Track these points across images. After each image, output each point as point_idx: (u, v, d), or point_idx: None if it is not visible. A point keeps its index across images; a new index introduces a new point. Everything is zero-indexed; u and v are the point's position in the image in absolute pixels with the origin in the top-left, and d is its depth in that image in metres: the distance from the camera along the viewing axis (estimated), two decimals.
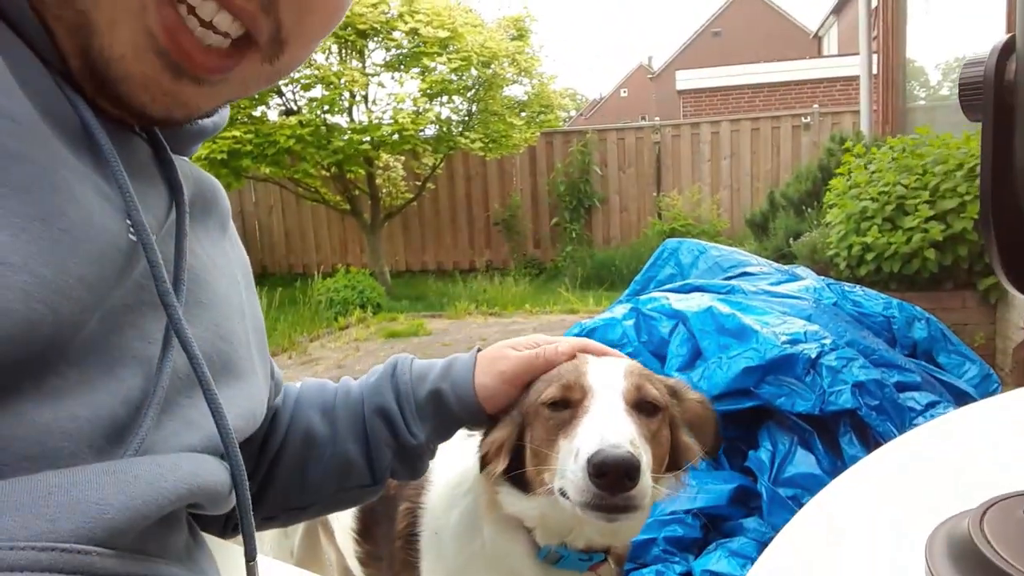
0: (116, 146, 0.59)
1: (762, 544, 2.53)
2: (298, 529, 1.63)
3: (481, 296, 8.12)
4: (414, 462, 1.01)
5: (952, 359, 3.05)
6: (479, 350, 1.05)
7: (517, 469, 1.04)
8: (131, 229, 0.58)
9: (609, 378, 1.01)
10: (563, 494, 0.94)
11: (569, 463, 0.92)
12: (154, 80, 0.58)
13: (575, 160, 10.10)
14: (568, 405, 0.98)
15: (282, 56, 0.64)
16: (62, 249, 0.50)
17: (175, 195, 0.67)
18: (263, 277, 9.61)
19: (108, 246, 0.55)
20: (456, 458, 1.26)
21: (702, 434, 1.11)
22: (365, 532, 1.40)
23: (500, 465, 1.04)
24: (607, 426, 0.92)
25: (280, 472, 0.97)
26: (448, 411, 0.99)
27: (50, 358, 0.51)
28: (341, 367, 5.59)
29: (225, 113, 0.77)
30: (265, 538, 1.64)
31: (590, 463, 0.86)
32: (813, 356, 2.59)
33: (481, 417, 1.03)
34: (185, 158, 0.77)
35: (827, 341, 2.67)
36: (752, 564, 2.26)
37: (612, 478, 0.86)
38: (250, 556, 0.67)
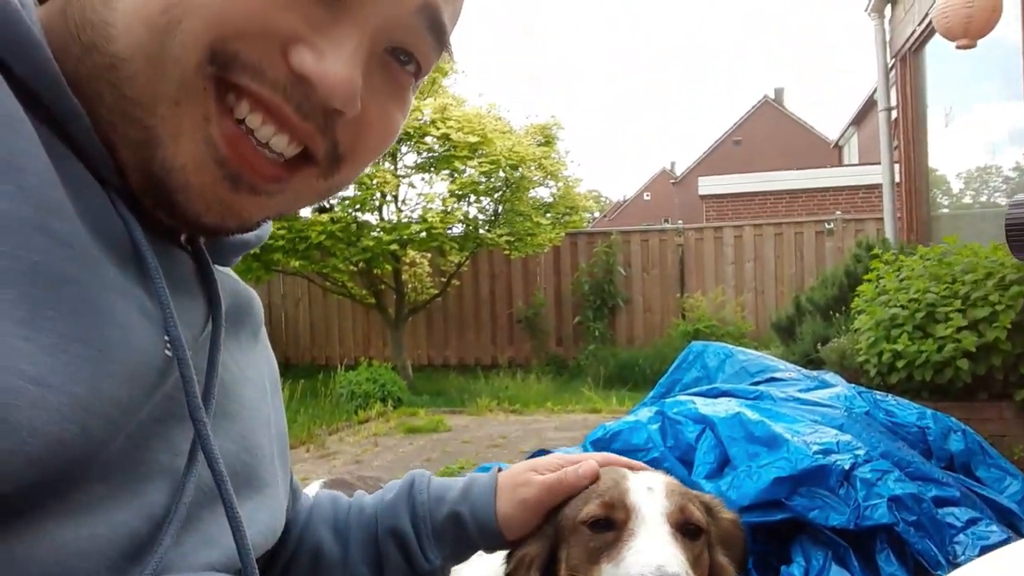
0: (160, 260, 0.61)
1: None
2: None
3: (503, 393, 8.06)
4: None
5: (992, 473, 2.95)
6: (499, 470, 1.02)
7: None
8: (168, 345, 0.59)
9: (652, 498, 0.98)
10: None
11: None
12: (211, 190, 0.59)
13: (599, 260, 10.21)
14: (611, 526, 0.95)
15: (338, 173, 0.66)
16: (98, 369, 0.51)
17: (213, 309, 0.68)
18: (286, 368, 9.63)
19: (143, 365, 0.56)
20: (477, 570, 1.22)
21: (731, 552, 1.08)
22: None
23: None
24: (663, 554, 0.89)
25: None
26: (466, 536, 0.96)
27: (76, 475, 0.50)
28: (359, 461, 5.51)
29: (268, 227, 0.78)
30: None
31: None
32: (847, 468, 2.52)
33: (500, 544, 0.99)
34: (228, 269, 0.79)
35: (860, 452, 2.60)
36: None
37: None
38: None
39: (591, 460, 1.01)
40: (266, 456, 0.75)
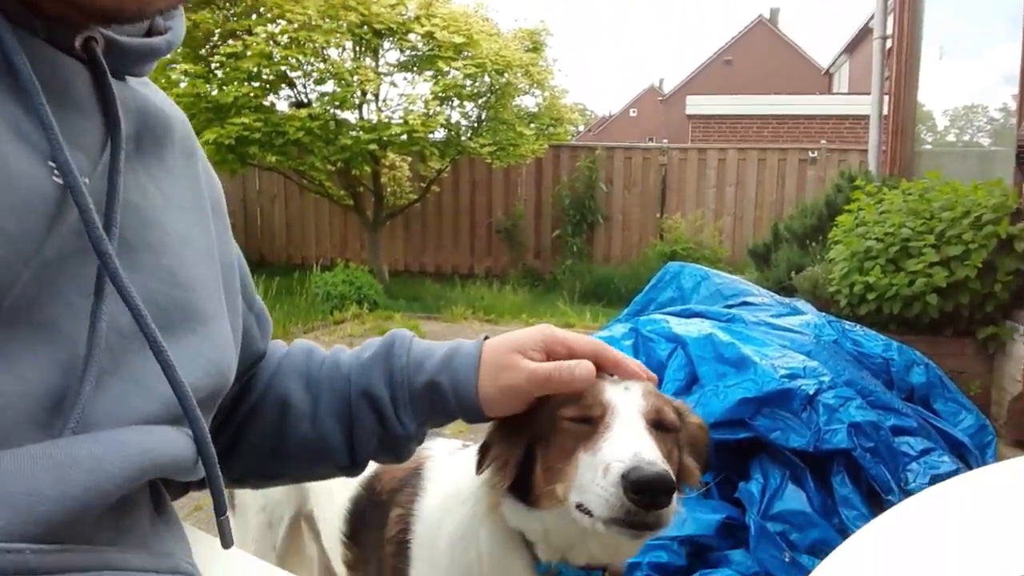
0: (43, 70, 0.53)
1: None
2: (283, 521, 1.60)
3: (478, 302, 8.10)
4: (399, 450, 0.95)
5: (949, 407, 3.05)
6: (485, 339, 0.97)
7: (522, 479, 1.02)
8: (55, 172, 0.52)
9: (629, 396, 0.99)
10: (582, 509, 0.92)
11: (595, 478, 0.89)
12: None
13: (581, 175, 10.11)
14: (588, 420, 0.96)
15: None
16: None
17: (112, 126, 0.60)
18: (261, 265, 9.56)
19: (28, 195, 0.50)
20: (453, 465, 1.24)
21: (696, 456, 1.10)
22: (354, 535, 1.37)
23: (506, 479, 1.02)
24: (640, 443, 0.90)
25: (249, 437, 0.92)
26: (444, 406, 0.92)
27: None
28: None
29: (180, 29, 0.70)
30: (249, 529, 1.60)
31: (626, 479, 0.85)
32: (811, 392, 2.58)
33: (479, 418, 0.96)
34: (146, 80, 0.70)
35: (826, 378, 2.66)
36: None
37: (649, 495, 0.85)
38: (220, 511, 0.65)
39: (586, 363, 0.95)
40: (209, 289, 0.69)
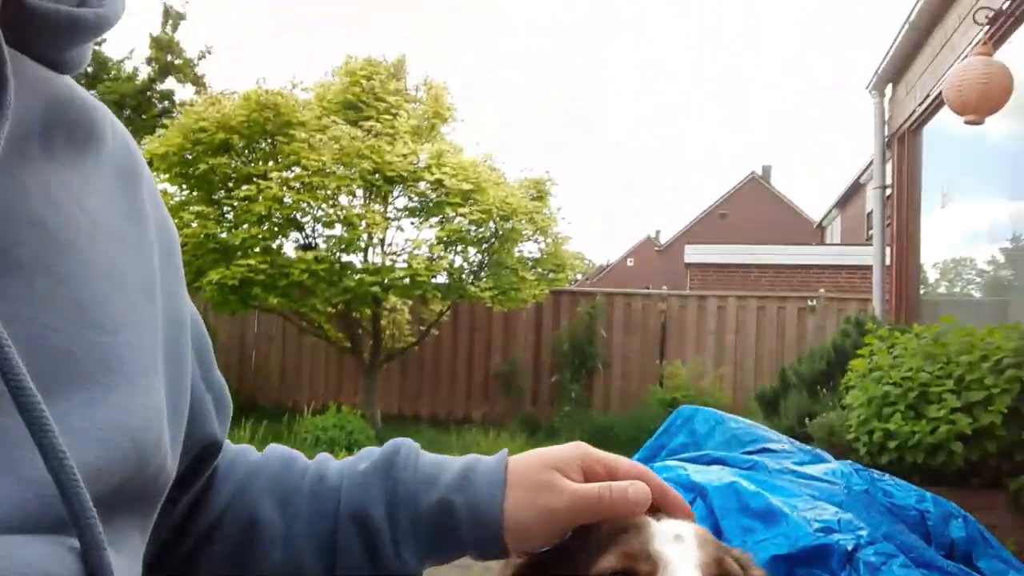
0: None
1: None
2: None
3: (474, 449, 7.77)
4: None
5: (993, 564, 2.79)
6: (508, 455, 0.79)
7: None
8: None
9: (683, 548, 0.81)
10: None
11: None
12: None
13: (582, 321, 10.11)
14: None
15: None
16: None
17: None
18: (252, 409, 9.30)
19: None
20: None
21: None
22: None
23: None
24: None
25: (208, 558, 0.73)
26: (455, 535, 0.73)
27: None
28: None
29: (117, 7, 0.56)
30: None
31: None
32: (849, 548, 2.35)
33: (496, 552, 0.76)
34: (68, 80, 0.55)
35: (863, 532, 2.44)
36: None
37: None
38: None
39: (641, 484, 0.78)
40: (140, 336, 0.53)
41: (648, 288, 11.72)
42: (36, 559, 0.40)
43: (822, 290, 11.63)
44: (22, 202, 0.46)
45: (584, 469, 0.78)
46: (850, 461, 3.21)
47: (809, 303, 10.19)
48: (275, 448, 0.81)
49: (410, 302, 9.47)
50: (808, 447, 3.53)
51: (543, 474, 0.75)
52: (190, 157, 7.93)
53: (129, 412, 0.48)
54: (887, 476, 3.09)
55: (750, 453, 3.23)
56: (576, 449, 0.80)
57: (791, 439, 3.56)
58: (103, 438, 0.46)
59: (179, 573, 0.74)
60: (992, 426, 3.75)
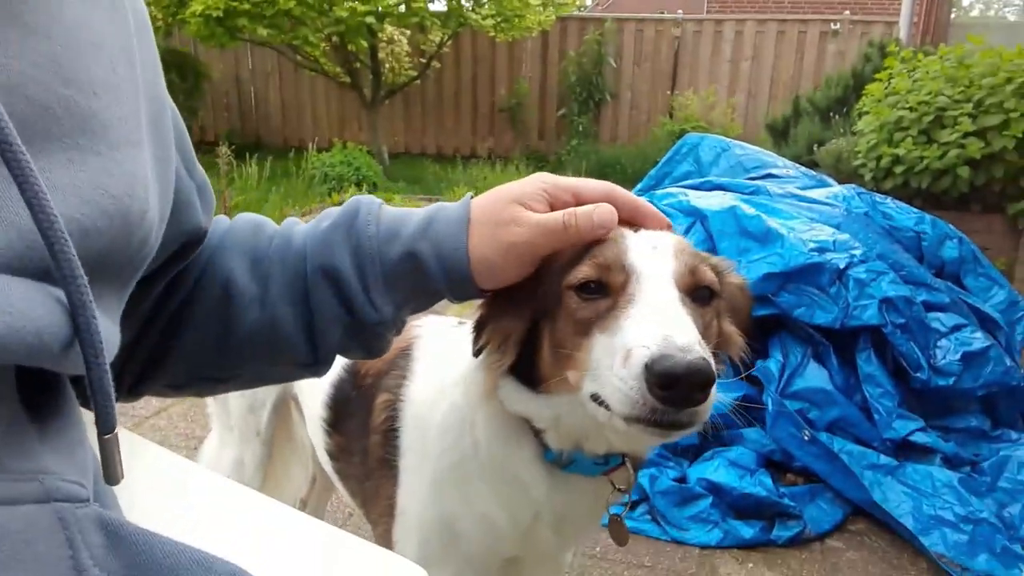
0: None
1: (761, 455, 2.43)
2: (265, 405, 1.46)
3: (481, 183, 7.86)
4: (371, 340, 0.77)
5: (980, 282, 2.89)
6: (472, 197, 0.79)
7: (524, 361, 0.86)
8: None
9: (657, 257, 0.78)
10: (597, 400, 0.75)
11: (612, 366, 0.71)
12: None
13: (589, 50, 9.59)
14: (606, 291, 0.77)
15: None
16: None
17: None
18: (256, 147, 9.23)
19: None
20: (445, 344, 1.08)
21: (737, 320, 0.93)
22: (337, 423, 1.23)
23: (507, 359, 0.85)
24: (671, 322, 0.70)
25: (189, 331, 0.75)
26: (426, 280, 0.74)
27: None
28: None
29: None
30: (230, 414, 1.47)
31: (651, 370, 0.66)
32: (841, 267, 2.42)
33: (470, 292, 0.77)
34: None
35: (857, 252, 2.49)
36: (751, 475, 2.11)
37: (680, 390, 0.65)
38: (105, 427, 0.45)
39: (606, 205, 0.76)
40: (123, 102, 0.50)
41: (663, 12, 10.96)
42: (19, 301, 0.39)
43: (847, 12, 10.87)
44: None
45: (550, 199, 0.77)
46: (854, 185, 3.19)
47: (832, 26, 9.57)
48: (244, 216, 0.81)
49: (408, 32, 8.95)
50: (813, 172, 3.50)
51: (506, 209, 0.75)
52: None
53: (113, 177, 0.46)
54: (888, 199, 3.10)
55: (754, 179, 3.21)
56: (539, 180, 0.78)
57: (797, 165, 3.52)
58: (86, 198, 0.44)
59: (164, 345, 0.74)
60: (1004, 150, 3.68)
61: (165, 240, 0.60)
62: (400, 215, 0.77)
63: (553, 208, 0.77)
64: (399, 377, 1.09)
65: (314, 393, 1.28)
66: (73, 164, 0.44)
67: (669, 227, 0.85)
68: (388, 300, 0.74)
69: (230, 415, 1.47)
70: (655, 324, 0.70)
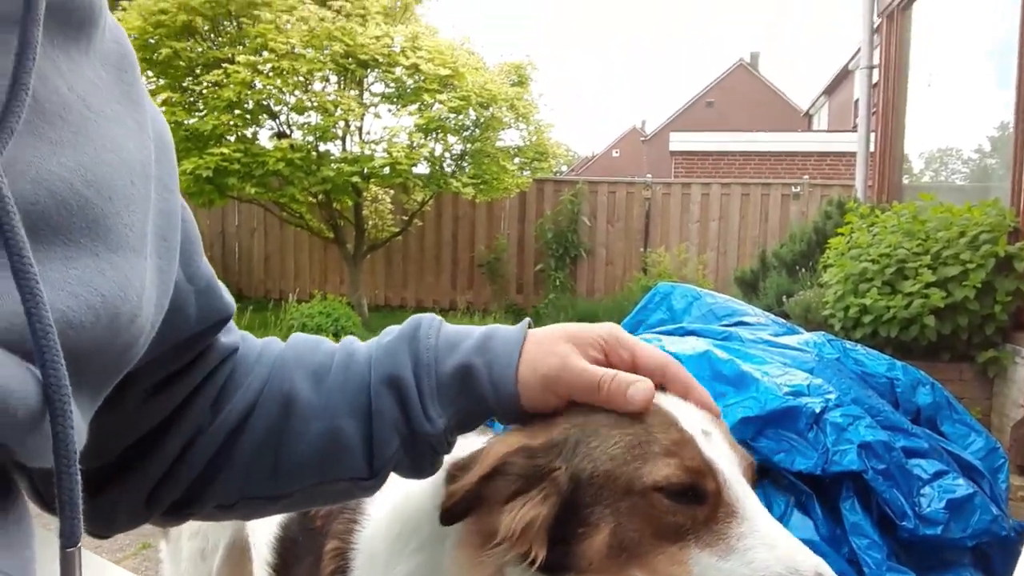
0: None
1: None
2: (217, 550, 1.36)
3: None
4: (424, 455, 0.75)
5: (957, 429, 2.88)
6: (529, 325, 0.78)
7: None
8: None
9: (724, 452, 0.75)
10: None
11: None
12: None
13: (564, 209, 10.04)
14: (699, 497, 0.71)
15: None
16: None
17: None
18: (238, 299, 9.22)
19: None
20: (407, 483, 0.99)
21: None
22: (284, 568, 1.14)
23: (538, 553, 0.73)
24: (799, 549, 0.68)
25: (243, 448, 0.73)
26: (478, 396, 0.74)
27: None
28: None
29: None
30: (181, 559, 1.38)
31: None
32: (817, 411, 2.41)
33: (516, 415, 0.77)
34: None
35: (832, 396, 2.49)
36: None
37: None
38: (68, 540, 0.43)
39: (647, 385, 0.74)
40: (133, 211, 0.52)
41: (633, 177, 11.59)
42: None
43: (806, 176, 11.56)
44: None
45: (606, 349, 0.76)
46: (824, 332, 3.26)
47: (793, 189, 10.15)
48: (299, 336, 0.82)
49: (392, 192, 9.34)
50: (784, 320, 3.57)
51: (556, 343, 0.75)
52: (152, 42, 7.58)
53: (105, 277, 0.47)
54: (859, 346, 3.15)
55: (727, 326, 3.27)
56: (604, 329, 0.78)
57: (767, 313, 3.60)
58: (75, 291, 0.45)
59: (215, 464, 0.73)
60: (965, 300, 3.80)
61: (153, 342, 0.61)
62: (460, 332, 0.78)
63: (608, 359, 0.76)
64: (350, 521, 0.98)
65: (262, 532, 1.19)
66: (69, 260, 0.45)
67: (719, 415, 0.81)
68: (441, 412, 0.74)
69: (180, 560, 1.38)
70: (786, 551, 0.68)
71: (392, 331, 0.79)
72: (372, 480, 0.75)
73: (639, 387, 0.73)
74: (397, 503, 0.90)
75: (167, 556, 1.45)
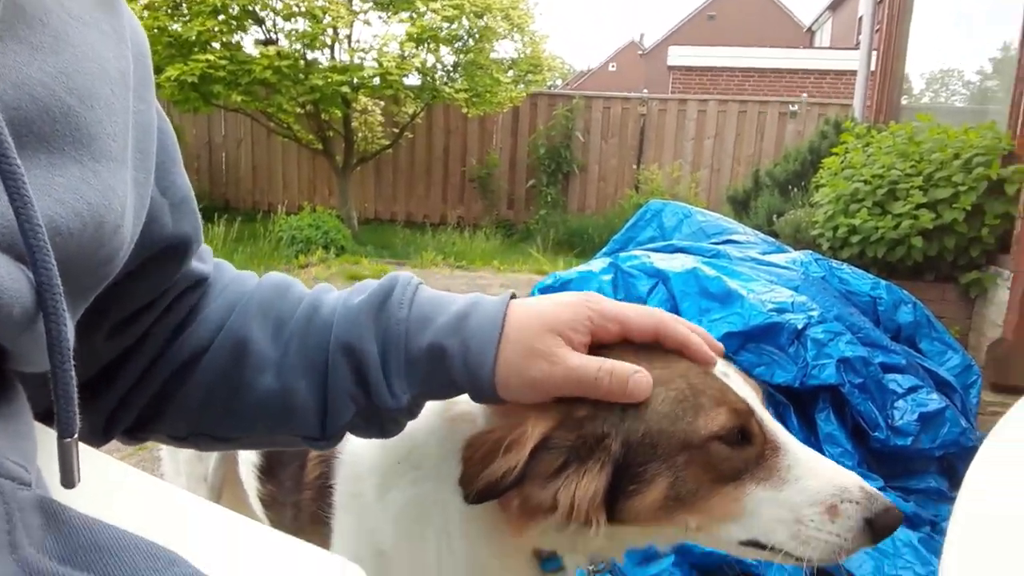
0: None
1: None
2: (213, 453, 1.40)
3: (449, 248, 7.92)
4: (385, 424, 0.75)
5: (934, 346, 2.95)
6: (513, 297, 0.76)
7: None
8: None
9: (749, 389, 0.80)
10: (757, 545, 0.76)
11: (804, 519, 0.74)
12: None
13: (558, 124, 9.88)
14: (747, 438, 0.75)
15: None
16: None
17: None
18: (225, 210, 9.24)
19: None
20: None
21: None
22: (269, 471, 1.16)
23: (600, 520, 0.74)
24: (845, 474, 0.76)
25: (192, 386, 0.73)
26: (449, 379, 0.72)
27: None
28: None
29: None
30: (179, 460, 1.43)
31: (874, 525, 0.73)
32: (799, 327, 2.45)
33: (487, 400, 0.75)
34: None
35: (815, 313, 2.53)
36: None
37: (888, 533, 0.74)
38: (65, 431, 0.45)
39: (645, 375, 0.73)
40: (114, 119, 0.52)
41: (629, 93, 11.36)
42: None
43: (805, 95, 11.37)
44: None
45: (593, 328, 0.74)
46: (811, 251, 3.28)
47: (791, 108, 10.00)
48: (272, 276, 0.79)
49: (382, 103, 9.15)
50: (772, 239, 3.59)
51: (542, 339, 0.71)
52: None
53: (90, 186, 0.47)
54: (845, 265, 3.18)
55: (716, 244, 3.29)
56: (584, 306, 0.74)
57: (757, 232, 3.61)
58: (62, 198, 0.45)
59: (167, 394, 0.73)
60: (954, 223, 3.81)
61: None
62: (436, 302, 0.74)
63: (595, 337, 0.74)
64: None
65: None
66: (54, 167, 0.45)
67: (722, 352, 0.82)
68: (407, 388, 0.72)
69: (178, 461, 1.42)
70: (831, 474, 0.75)
71: (364, 288, 0.76)
72: (325, 441, 0.75)
73: (639, 378, 0.72)
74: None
75: (167, 454, 1.49)
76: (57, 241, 0.44)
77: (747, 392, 0.78)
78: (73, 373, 0.44)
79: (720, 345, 0.80)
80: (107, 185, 0.49)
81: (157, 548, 0.46)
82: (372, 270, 6.66)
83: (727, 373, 0.79)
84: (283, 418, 0.73)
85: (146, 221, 0.65)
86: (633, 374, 0.72)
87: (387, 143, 9.22)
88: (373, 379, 0.71)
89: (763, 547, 0.75)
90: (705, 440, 0.73)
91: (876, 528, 0.72)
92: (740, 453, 0.74)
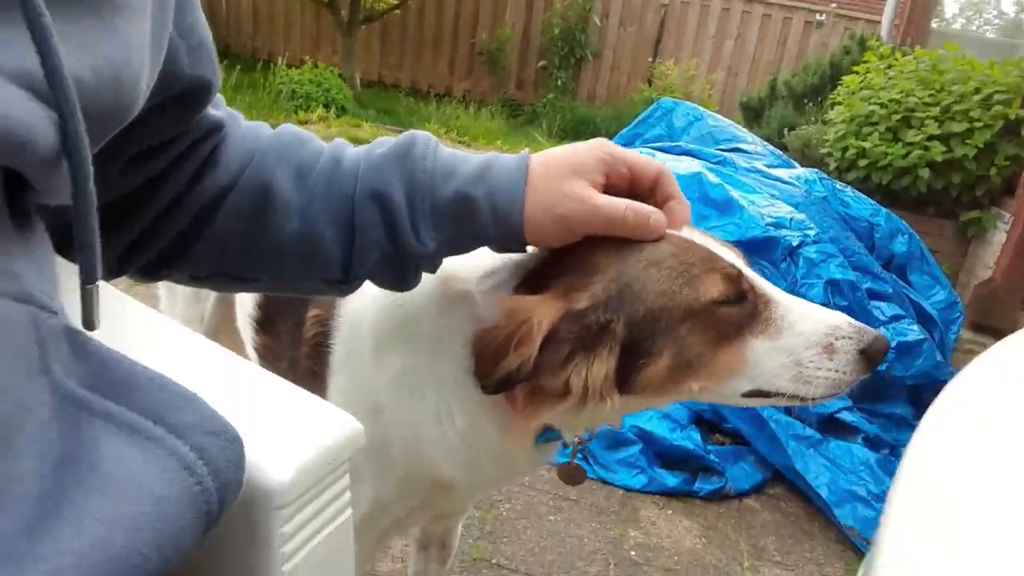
0: None
1: (693, 412, 2.50)
2: (211, 293, 1.41)
3: (453, 122, 7.76)
4: (407, 271, 0.77)
5: (923, 279, 2.99)
6: (529, 156, 0.77)
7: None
8: None
9: (728, 251, 0.83)
10: (757, 395, 0.81)
11: (810, 361, 0.78)
12: None
13: (576, 4, 9.46)
14: (741, 296, 0.78)
15: None
16: None
17: None
18: (224, 55, 8.91)
19: None
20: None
21: None
22: (266, 323, 1.17)
23: (614, 399, 0.77)
24: (828, 312, 0.80)
25: (218, 226, 0.74)
26: (475, 225, 0.74)
27: None
28: None
29: None
30: (177, 299, 1.44)
31: (867, 353, 0.78)
32: (794, 244, 2.47)
33: (517, 246, 0.77)
34: None
35: (811, 232, 2.54)
36: (681, 430, 2.17)
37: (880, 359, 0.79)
38: (89, 276, 0.45)
39: (660, 214, 0.77)
40: None
41: None
42: (20, 99, 0.39)
43: (833, 4, 10.91)
44: None
45: (607, 171, 0.77)
46: (817, 170, 3.25)
47: (817, 17, 9.62)
48: (289, 127, 0.80)
49: None
50: (780, 153, 3.54)
51: (566, 180, 0.74)
52: None
53: (111, 42, 0.46)
54: (848, 188, 3.17)
55: (724, 151, 3.24)
56: (599, 150, 0.77)
57: (766, 143, 3.56)
58: (88, 61, 0.44)
59: (191, 234, 0.73)
60: (963, 158, 3.77)
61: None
62: (456, 155, 0.77)
63: (609, 179, 0.77)
64: None
65: None
66: (76, 19, 0.44)
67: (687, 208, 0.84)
68: (433, 235, 0.74)
69: (176, 300, 1.44)
70: (821, 315, 0.79)
71: (383, 143, 0.77)
72: (345, 284, 0.77)
73: (658, 218, 0.76)
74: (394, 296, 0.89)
75: (164, 292, 1.50)
76: (82, 95, 0.43)
77: (731, 256, 0.82)
78: (95, 218, 0.44)
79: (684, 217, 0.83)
80: (127, 40, 0.48)
81: (176, 385, 0.48)
82: (372, 135, 6.53)
83: (707, 242, 0.82)
84: (306, 262, 0.75)
85: (164, 62, 0.63)
86: (652, 213, 0.76)
87: (395, 3, 8.82)
88: (400, 223, 0.73)
89: (767, 395, 0.81)
90: (704, 307, 0.77)
91: (869, 356, 0.77)
92: (737, 311, 0.78)
